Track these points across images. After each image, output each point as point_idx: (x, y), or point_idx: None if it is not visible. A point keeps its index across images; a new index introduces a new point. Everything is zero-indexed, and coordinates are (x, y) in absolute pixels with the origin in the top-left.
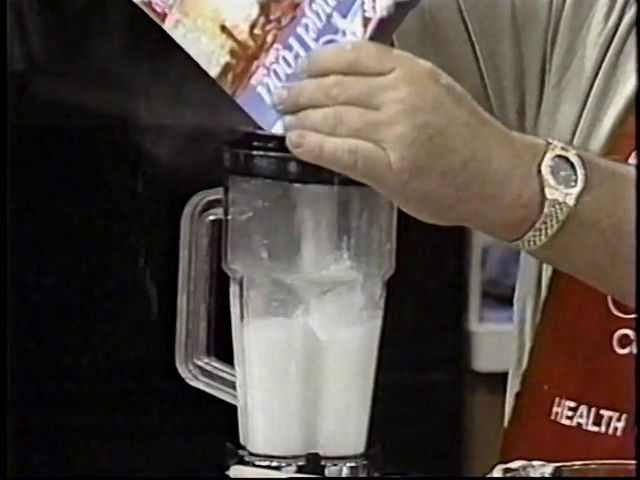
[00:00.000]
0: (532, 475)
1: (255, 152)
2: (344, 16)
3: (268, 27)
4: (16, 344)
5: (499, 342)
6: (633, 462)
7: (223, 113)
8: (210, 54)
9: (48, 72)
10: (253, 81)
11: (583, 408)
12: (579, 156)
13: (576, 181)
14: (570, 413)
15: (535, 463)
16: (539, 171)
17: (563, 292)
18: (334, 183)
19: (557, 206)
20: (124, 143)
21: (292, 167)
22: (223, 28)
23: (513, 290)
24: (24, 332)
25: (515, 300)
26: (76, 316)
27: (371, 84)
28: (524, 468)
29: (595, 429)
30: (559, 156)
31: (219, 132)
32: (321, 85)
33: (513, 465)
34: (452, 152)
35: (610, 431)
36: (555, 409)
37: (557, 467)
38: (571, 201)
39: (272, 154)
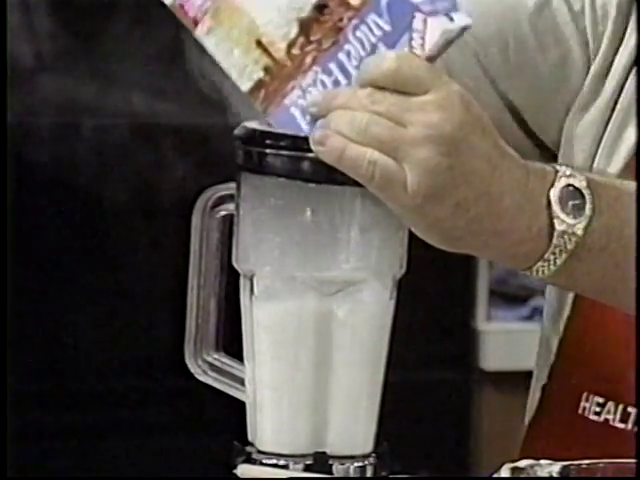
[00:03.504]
0: (540, 474)
1: (268, 150)
2: (391, 48)
3: (308, 48)
4: (17, 341)
5: (507, 341)
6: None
7: (234, 110)
8: (243, 68)
9: (52, 70)
10: (287, 101)
11: (611, 404)
12: (586, 181)
13: (584, 210)
14: (598, 409)
15: (542, 462)
16: (548, 202)
17: None
18: (346, 184)
19: (565, 237)
20: (136, 140)
21: (305, 166)
22: (259, 43)
23: (521, 289)
24: (25, 330)
25: (547, 291)
26: (81, 312)
27: (403, 102)
28: (532, 467)
29: (622, 426)
30: (568, 185)
31: (231, 128)
32: (356, 93)
33: (521, 464)
34: (469, 184)
35: (636, 428)
36: (583, 404)
37: (565, 466)
38: (579, 231)
39: (285, 153)
